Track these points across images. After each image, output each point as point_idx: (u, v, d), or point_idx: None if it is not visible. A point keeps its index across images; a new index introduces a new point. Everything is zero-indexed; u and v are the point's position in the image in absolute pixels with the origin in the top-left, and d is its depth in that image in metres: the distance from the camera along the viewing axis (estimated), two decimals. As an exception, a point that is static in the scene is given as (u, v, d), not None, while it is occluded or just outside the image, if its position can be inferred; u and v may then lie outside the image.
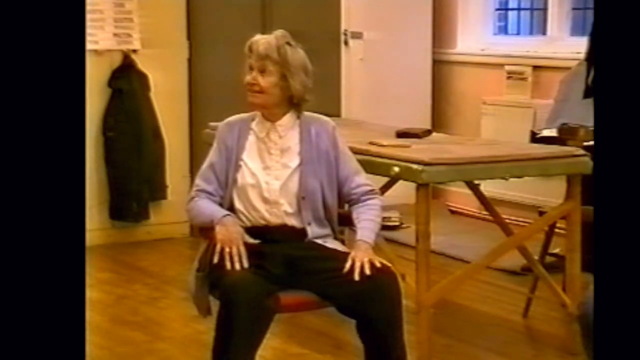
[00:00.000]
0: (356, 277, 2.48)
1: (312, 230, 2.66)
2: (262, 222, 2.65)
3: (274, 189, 2.64)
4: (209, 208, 2.65)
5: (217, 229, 2.57)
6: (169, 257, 4.53)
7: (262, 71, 2.62)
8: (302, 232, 2.66)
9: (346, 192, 2.71)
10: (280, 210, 2.64)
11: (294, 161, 2.67)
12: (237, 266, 2.50)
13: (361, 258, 2.52)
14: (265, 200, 2.64)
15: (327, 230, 2.70)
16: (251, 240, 2.60)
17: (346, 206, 2.76)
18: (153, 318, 3.70)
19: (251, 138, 2.69)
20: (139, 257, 4.54)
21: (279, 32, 2.69)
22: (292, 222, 2.65)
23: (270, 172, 2.66)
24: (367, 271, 2.48)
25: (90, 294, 3.67)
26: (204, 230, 2.67)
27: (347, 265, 2.51)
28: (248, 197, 2.65)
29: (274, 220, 2.64)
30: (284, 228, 2.65)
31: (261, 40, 2.64)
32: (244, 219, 2.66)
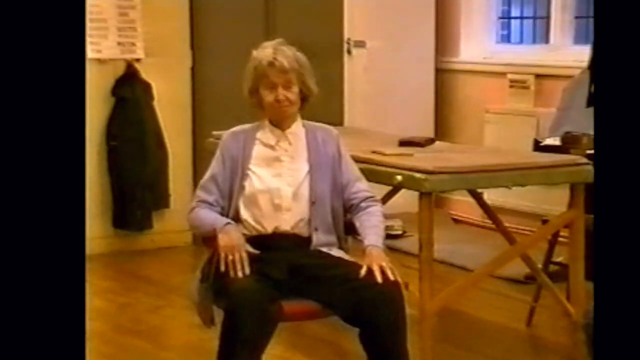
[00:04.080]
0: (379, 279, 2.48)
1: (318, 237, 2.66)
2: (270, 229, 2.65)
3: (286, 195, 2.64)
4: (210, 217, 2.65)
5: (220, 237, 2.57)
6: (172, 266, 4.53)
7: (287, 85, 2.63)
8: (308, 240, 2.66)
9: (346, 197, 2.72)
10: (291, 216, 2.64)
11: (304, 167, 2.68)
12: (240, 274, 2.50)
13: (378, 262, 2.52)
14: (277, 207, 2.64)
15: (333, 238, 2.71)
16: (252, 250, 2.60)
17: (347, 215, 2.76)
18: (156, 326, 3.70)
19: (257, 147, 2.70)
20: (142, 266, 4.54)
21: (280, 41, 2.69)
22: (301, 228, 2.66)
23: (281, 179, 2.66)
24: (379, 279, 2.48)
25: (93, 302, 3.68)
26: (207, 240, 2.67)
27: (363, 270, 2.51)
28: (258, 204, 2.65)
29: (284, 226, 2.64)
30: (290, 237, 2.65)
31: (279, 56, 2.63)
32: (250, 228, 2.66)
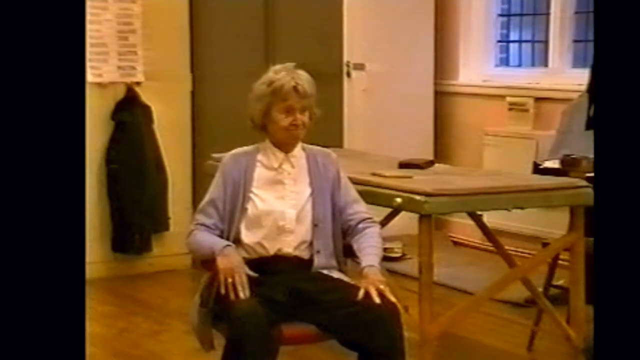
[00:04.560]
0: (376, 300, 2.47)
1: (320, 260, 2.66)
2: (273, 252, 2.64)
3: (290, 218, 2.64)
4: (208, 240, 2.64)
5: (219, 259, 2.56)
6: (171, 290, 4.51)
7: (303, 110, 2.64)
8: (309, 263, 2.65)
9: (344, 219, 2.72)
10: (294, 239, 2.64)
11: (306, 190, 2.69)
12: (242, 295, 2.49)
13: (374, 284, 2.51)
14: (281, 229, 2.64)
15: (333, 262, 2.70)
16: (252, 273, 2.59)
17: (346, 237, 2.75)
18: (155, 352, 3.67)
19: (259, 170, 2.69)
20: (140, 290, 4.52)
21: (293, 65, 2.68)
22: (302, 251, 2.65)
23: (285, 202, 2.66)
24: (377, 300, 2.48)
25: (92, 327, 3.65)
26: (207, 263, 2.66)
27: (361, 292, 2.50)
28: (262, 226, 2.64)
29: (286, 249, 2.64)
30: (291, 259, 2.64)
31: (300, 80, 2.63)
32: (251, 251, 2.65)
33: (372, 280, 2.53)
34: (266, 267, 2.63)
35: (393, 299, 2.51)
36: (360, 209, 2.73)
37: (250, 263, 2.62)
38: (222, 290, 2.51)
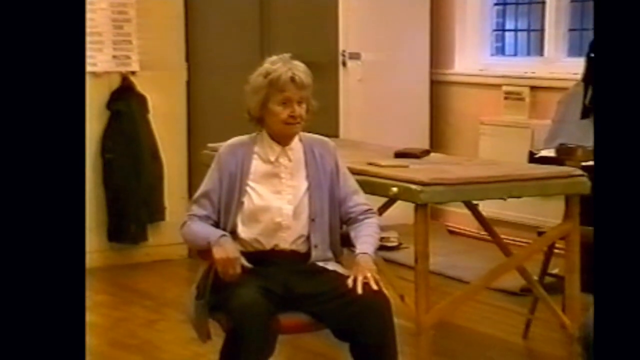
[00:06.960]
0: (359, 290, 2.47)
1: (317, 254, 2.65)
2: (269, 247, 2.63)
3: (287, 214, 2.62)
4: (203, 230, 2.63)
5: (214, 250, 2.55)
6: (168, 279, 4.52)
7: (300, 101, 2.61)
8: (305, 256, 2.65)
9: (344, 211, 2.71)
10: (290, 234, 2.63)
11: (303, 184, 2.66)
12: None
13: (363, 273, 2.51)
14: (277, 225, 2.62)
15: (330, 254, 2.70)
16: (247, 264, 2.59)
17: (344, 227, 2.75)
18: (151, 341, 3.68)
19: (255, 162, 2.67)
20: (137, 279, 4.52)
21: (290, 55, 2.65)
22: (299, 245, 2.64)
23: (282, 197, 2.64)
24: (359, 290, 2.47)
25: (88, 317, 3.62)
26: (203, 252, 2.66)
27: (350, 281, 2.51)
28: (258, 222, 2.62)
29: (282, 244, 2.63)
30: (288, 253, 2.63)
31: (297, 71, 2.59)
32: (247, 245, 2.64)
33: (361, 269, 2.53)
34: (263, 260, 2.62)
35: (376, 287, 2.49)
36: (360, 200, 2.72)
37: (247, 255, 2.61)
38: (224, 278, 2.50)
